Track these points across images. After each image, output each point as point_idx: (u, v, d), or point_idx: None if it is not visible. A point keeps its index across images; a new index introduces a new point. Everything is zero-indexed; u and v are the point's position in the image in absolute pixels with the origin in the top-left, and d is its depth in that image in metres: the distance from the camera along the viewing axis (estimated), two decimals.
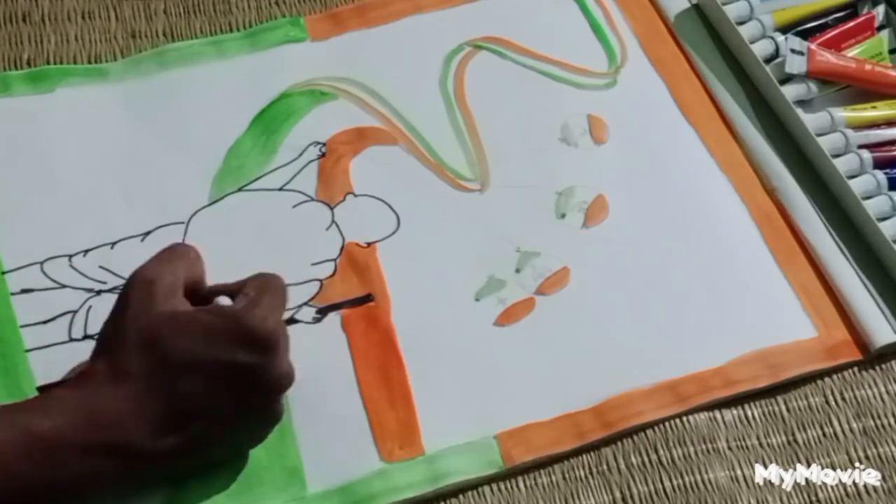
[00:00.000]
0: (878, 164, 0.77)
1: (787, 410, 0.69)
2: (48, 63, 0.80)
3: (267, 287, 0.63)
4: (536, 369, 0.69)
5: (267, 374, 0.61)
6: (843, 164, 0.76)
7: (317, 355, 0.69)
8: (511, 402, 0.68)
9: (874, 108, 0.80)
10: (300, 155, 0.77)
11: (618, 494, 0.66)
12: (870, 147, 0.78)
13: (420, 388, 0.68)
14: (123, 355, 0.60)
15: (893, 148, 0.78)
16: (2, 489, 0.56)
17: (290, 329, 0.69)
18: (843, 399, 0.70)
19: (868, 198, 0.75)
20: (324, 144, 0.77)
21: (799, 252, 0.75)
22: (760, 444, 0.68)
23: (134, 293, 0.61)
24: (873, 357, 0.71)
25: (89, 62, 0.80)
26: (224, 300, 0.63)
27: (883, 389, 0.70)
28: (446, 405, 0.68)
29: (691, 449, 0.67)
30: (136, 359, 0.59)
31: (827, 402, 0.70)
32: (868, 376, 0.71)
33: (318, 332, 0.70)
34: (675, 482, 0.66)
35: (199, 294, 0.64)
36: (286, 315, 0.65)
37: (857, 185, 0.75)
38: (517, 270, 0.73)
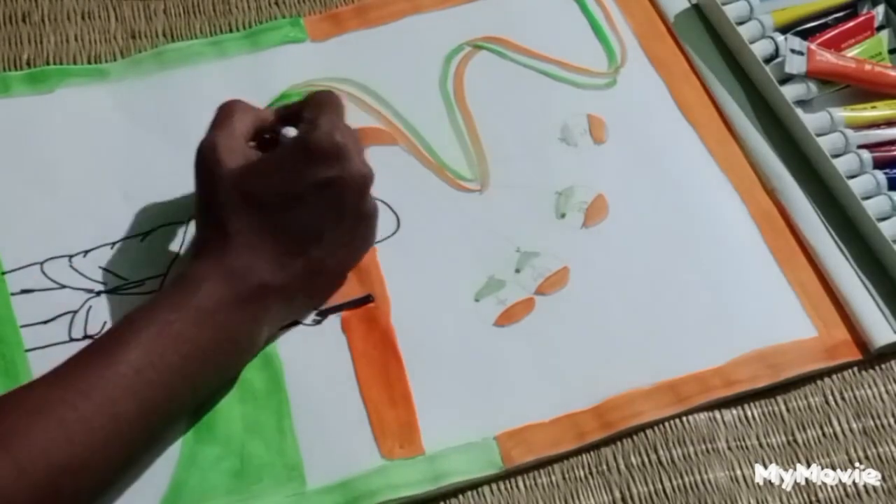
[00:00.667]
0: (878, 164, 0.77)
1: (787, 410, 0.69)
2: (48, 63, 0.80)
3: (322, 105, 0.68)
4: (536, 370, 0.69)
5: (346, 179, 0.66)
6: (842, 164, 0.76)
7: (317, 357, 0.69)
8: (511, 402, 0.68)
9: (874, 108, 0.80)
10: None
11: (617, 494, 0.66)
12: (870, 147, 0.78)
13: (420, 389, 0.68)
14: (221, 219, 0.65)
15: (893, 148, 0.78)
16: (187, 359, 0.62)
17: (290, 331, 0.69)
18: (843, 399, 0.70)
19: (868, 198, 0.75)
20: None
21: (799, 252, 0.75)
22: (760, 444, 0.68)
23: (205, 164, 0.67)
24: (873, 357, 0.71)
25: (89, 62, 0.80)
26: (290, 131, 0.69)
27: (883, 389, 0.70)
28: (446, 406, 0.68)
29: (691, 449, 0.67)
30: (232, 216, 0.65)
31: (827, 402, 0.70)
32: (868, 376, 0.71)
33: (319, 334, 0.70)
34: (674, 482, 0.66)
35: (266, 130, 0.70)
36: None
37: (857, 185, 0.75)
38: (517, 270, 0.73)
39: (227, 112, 0.69)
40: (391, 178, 0.76)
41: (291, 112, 0.70)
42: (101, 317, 0.69)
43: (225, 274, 0.64)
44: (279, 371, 0.68)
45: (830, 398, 0.70)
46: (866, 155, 0.77)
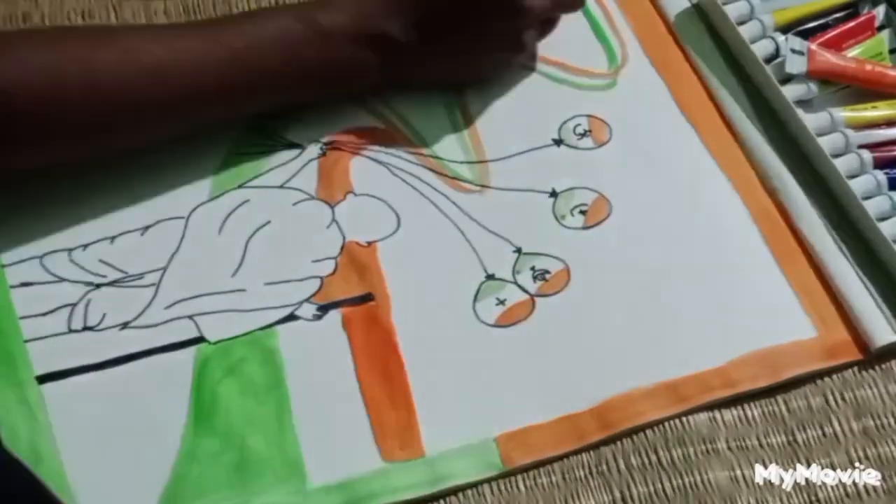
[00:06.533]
0: (879, 164, 0.77)
1: (787, 410, 0.69)
2: None
3: None
4: (536, 370, 0.69)
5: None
6: (843, 164, 0.76)
7: (318, 354, 0.69)
8: (511, 403, 0.68)
9: (874, 108, 0.80)
10: (300, 153, 0.77)
11: (617, 495, 0.66)
12: (870, 147, 0.78)
13: (420, 389, 0.68)
14: None
15: (893, 148, 0.78)
16: (289, 68, 0.71)
17: (290, 326, 0.69)
18: (843, 399, 0.70)
19: (868, 198, 0.75)
20: (324, 143, 0.77)
21: (799, 252, 0.75)
22: (760, 445, 0.68)
23: None
24: (873, 357, 0.71)
25: None
26: None
27: (883, 389, 0.70)
28: (446, 406, 0.68)
29: (691, 449, 0.67)
30: None
31: (827, 402, 0.70)
32: (868, 376, 0.71)
33: (320, 330, 0.70)
34: (674, 483, 0.66)
35: None
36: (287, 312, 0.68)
37: (857, 185, 0.75)
38: (517, 271, 0.73)
39: None
40: (391, 177, 0.76)
41: None
42: (100, 310, 0.69)
43: (359, 10, 0.72)
44: (280, 366, 0.68)
45: (831, 398, 0.70)
46: (867, 155, 0.77)
